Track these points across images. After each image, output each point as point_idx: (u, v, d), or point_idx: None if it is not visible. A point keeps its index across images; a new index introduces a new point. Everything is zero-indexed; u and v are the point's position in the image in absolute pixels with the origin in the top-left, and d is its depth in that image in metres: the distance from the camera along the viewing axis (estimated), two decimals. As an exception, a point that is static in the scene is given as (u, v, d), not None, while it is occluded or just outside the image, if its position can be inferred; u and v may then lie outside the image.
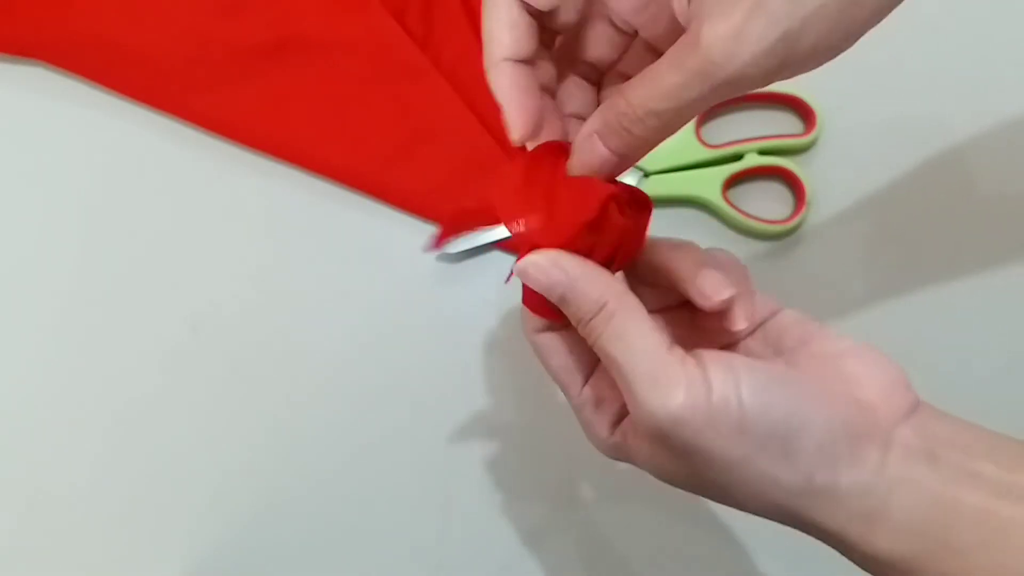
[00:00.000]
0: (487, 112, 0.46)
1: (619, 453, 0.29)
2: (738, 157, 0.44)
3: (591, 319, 0.26)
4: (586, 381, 0.29)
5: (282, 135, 0.45)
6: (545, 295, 0.27)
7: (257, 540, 0.41)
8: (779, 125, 0.46)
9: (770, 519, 0.25)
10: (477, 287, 0.44)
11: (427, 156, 0.45)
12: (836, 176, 0.44)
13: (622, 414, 0.28)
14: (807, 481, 0.24)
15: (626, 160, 0.26)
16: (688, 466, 0.25)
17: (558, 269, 0.26)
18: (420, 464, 0.42)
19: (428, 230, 0.44)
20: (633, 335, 0.25)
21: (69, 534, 0.41)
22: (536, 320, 0.29)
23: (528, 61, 0.26)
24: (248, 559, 0.41)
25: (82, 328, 0.43)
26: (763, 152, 0.44)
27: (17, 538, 0.41)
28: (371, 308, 0.44)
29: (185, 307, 0.43)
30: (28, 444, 0.42)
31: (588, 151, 0.26)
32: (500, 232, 0.43)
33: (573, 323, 0.27)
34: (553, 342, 0.29)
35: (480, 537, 0.41)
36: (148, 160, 0.45)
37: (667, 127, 0.24)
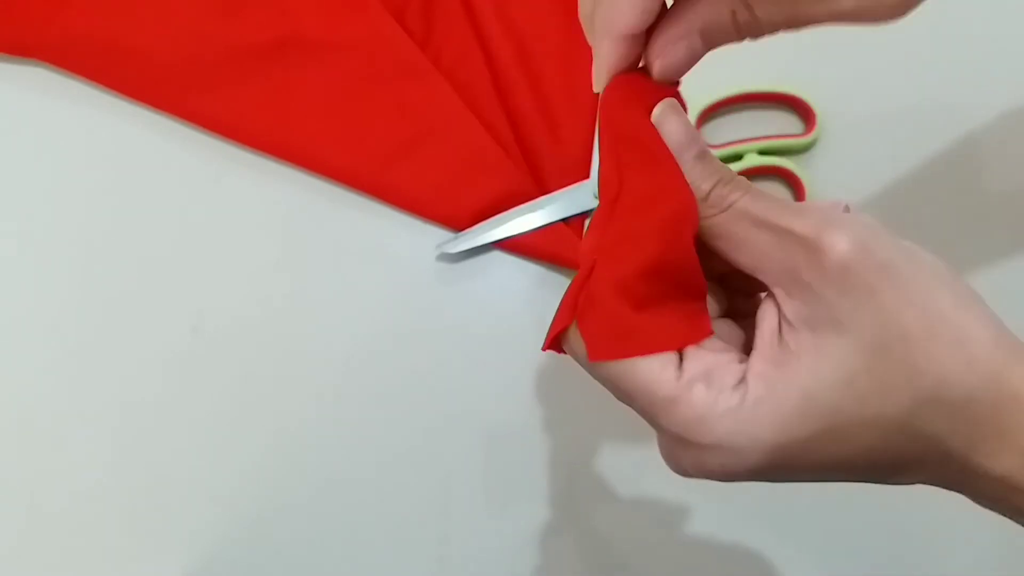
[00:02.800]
0: (487, 112, 0.46)
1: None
2: (738, 157, 0.44)
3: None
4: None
5: (282, 135, 0.45)
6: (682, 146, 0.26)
7: (258, 541, 0.41)
8: (779, 125, 0.46)
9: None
10: (477, 287, 0.44)
11: (427, 156, 0.45)
12: (836, 176, 0.44)
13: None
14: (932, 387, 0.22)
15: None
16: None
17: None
18: (420, 464, 0.42)
19: (428, 230, 0.44)
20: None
21: (71, 535, 0.41)
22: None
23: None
24: (249, 560, 0.41)
25: (83, 329, 0.43)
26: (763, 152, 0.44)
27: (20, 538, 0.41)
28: (371, 308, 0.44)
29: (186, 307, 0.43)
30: (30, 445, 0.42)
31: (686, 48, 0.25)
32: (500, 232, 0.43)
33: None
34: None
35: (480, 537, 0.41)
36: (148, 160, 0.45)
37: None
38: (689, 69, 0.26)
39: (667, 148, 0.26)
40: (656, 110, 0.26)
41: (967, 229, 0.44)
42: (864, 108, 0.45)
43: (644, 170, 0.26)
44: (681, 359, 0.24)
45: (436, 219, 0.44)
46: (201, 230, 0.45)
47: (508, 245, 0.44)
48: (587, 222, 0.28)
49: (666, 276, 0.25)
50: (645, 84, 0.26)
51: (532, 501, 0.42)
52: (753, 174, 0.44)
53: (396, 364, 0.43)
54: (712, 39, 0.25)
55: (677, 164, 0.26)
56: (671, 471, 0.26)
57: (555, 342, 0.27)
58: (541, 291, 0.44)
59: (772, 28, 0.24)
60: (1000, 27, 0.47)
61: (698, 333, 0.25)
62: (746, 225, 0.24)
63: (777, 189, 0.45)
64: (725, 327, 0.27)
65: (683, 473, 0.26)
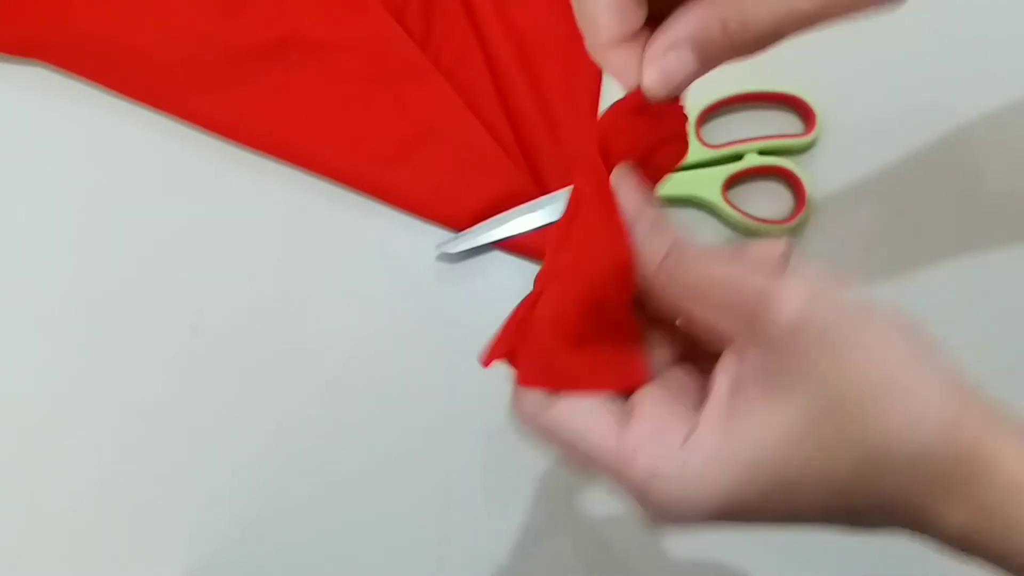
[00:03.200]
0: (487, 112, 0.46)
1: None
2: (738, 157, 0.44)
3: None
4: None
5: (282, 135, 0.45)
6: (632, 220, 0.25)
7: (258, 540, 0.41)
8: (779, 125, 0.46)
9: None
10: (477, 287, 0.44)
11: (427, 156, 0.45)
12: (836, 176, 0.44)
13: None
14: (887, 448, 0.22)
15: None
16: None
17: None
18: (420, 464, 0.42)
19: (428, 230, 0.44)
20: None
21: (71, 535, 0.41)
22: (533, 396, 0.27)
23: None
24: (249, 560, 0.41)
25: (83, 329, 0.43)
26: (763, 152, 0.44)
27: (20, 539, 0.41)
28: (371, 308, 0.44)
29: (186, 307, 0.43)
30: (30, 445, 0.42)
31: (676, 60, 0.24)
32: (500, 232, 0.43)
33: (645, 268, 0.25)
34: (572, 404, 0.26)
35: (480, 537, 0.41)
36: (148, 160, 0.45)
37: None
38: (685, 85, 0.25)
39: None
40: (613, 175, 0.26)
41: (967, 229, 0.44)
42: (864, 108, 0.45)
43: (598, 208, 0.26)
44: (629, 412, 0.25)
45: (436, 219, 0.44)
46: (201, 230, 0.45)
47: (508, 245, 0.44)
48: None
49: (602, 318, 0.26)
50: (644, 108, 0.26)
51: (532, 501, 0.42)
52: (753, 174, 0.44)
53: (396, 364, 0.43)
54: (705, 52, 0.24)
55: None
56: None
57: (491, 360, 0.28)
58: (541, 291, 0.44)
59: (765, 37, 0.24)
60: (1000, 27, 0.47)
61: (634, 378, 0.26)
62: (704, 288, 0.24)
63: (777, 189, 0.45)
64: (681, 373, 0.27)
65: (649, 524, 0.26)
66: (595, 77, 0.46)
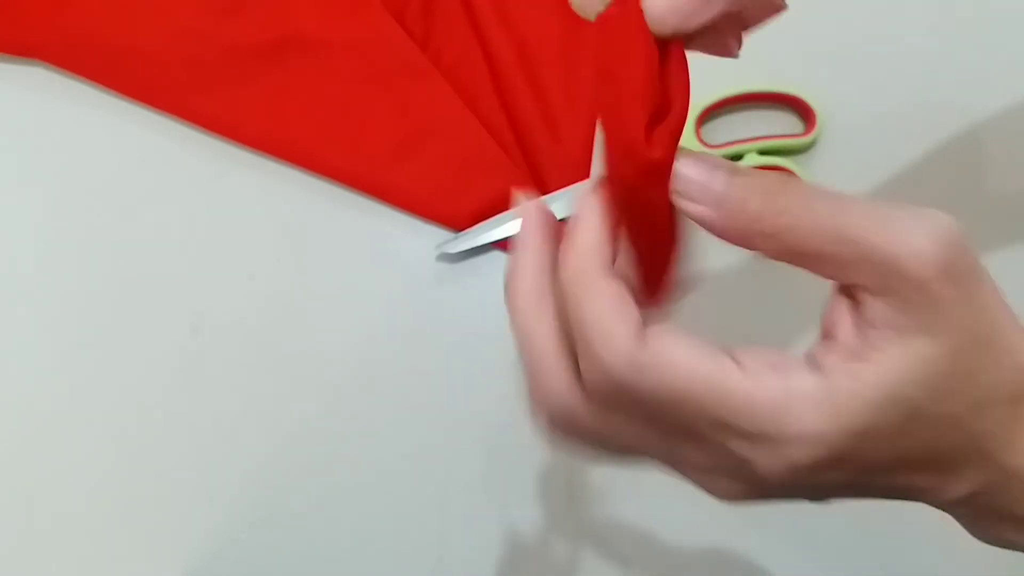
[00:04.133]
0: (487, 112, 0.46)
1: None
2: (738, 157, 0.44)
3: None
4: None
5: (282, 135, 0.45)
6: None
7: (258, 541, 0.41)
8: (779, 125, 0.46)
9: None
10: (477, 287, 0.44)
11: (427, 156, 0.45)
12: (836, 176, 0.44)
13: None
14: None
15: None
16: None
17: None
18: (420, 464, 0.42)
19: (428, 230, 0.44)
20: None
21: (70, 535, 0.41)
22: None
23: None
24: (248, 560, 0.41)
25: (82, 329, 0.43)
26: (763, 152, 0.44)
27: (20, 539, 0.41)
28: (371, 308, 0.44)
29: (185, 308, 0.43)
30: (30, 445, 0.42)
31: None
32: (500, 232, 0.43)
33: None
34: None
35: (480, 537, 0.41)
36: (148, 160, 0.45)
37: None
38: (700, 19, 0.21)
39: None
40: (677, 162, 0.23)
41: (970, 227, 0.44)
42: (864, 108, 0.45)
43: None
44: (732, 357, 0.22)
45: (436, 219, 0.44)
46: (201, 230, 0.45)
47: (508, 245, 0.44)
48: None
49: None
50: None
51: (532, 501, 0.42)
52: (753, 174, 0.44)
53: (396, 364, 0.43)
54: None
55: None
56: (721, 499, 0.25)
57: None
58: (541, 291, 0.44)
59: None
60: (1000, 27, 0.47)
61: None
62: (816, 241, 0.22)
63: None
64: None
65: (744, 494, 0.24)
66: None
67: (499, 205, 0.44)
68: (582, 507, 0.42)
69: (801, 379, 0.22)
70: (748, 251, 0.23)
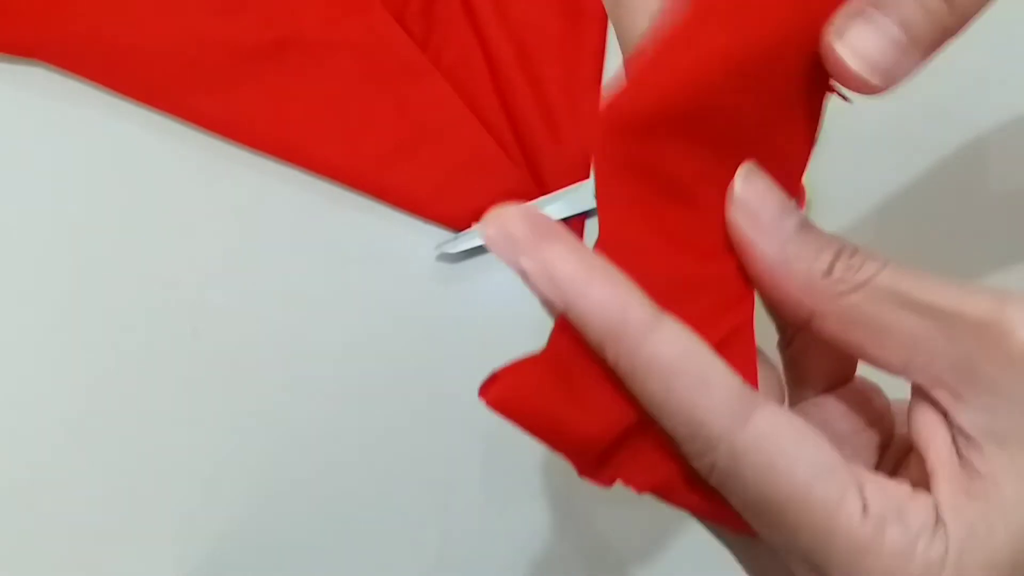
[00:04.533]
0: (487, 112, 0.46)
1: None
2: (738, 157, 0.44)
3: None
4: None
5: (282, 135, 0.45)
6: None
7: (257, 541, 0.41)
8: (779, 125, 0.46)
9: None
10: (477, 287, 0.44)
11: (427, 156, 0.45)
12: (836, 176, 0.44)
13: None
14: None
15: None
16: None
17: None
18: (419, 464, 0.42)
19: (428, 230, 0.44)
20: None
21: (69, 535, 0.41)
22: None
23: None
24: (248, 559, 0.41)
25: (82, 330, 0.43)
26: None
27: (19, 538, 0.41)
28: (370, 308, 0.44)
29: (183, 307, 0.43)
30: (28, 446, 0.42)
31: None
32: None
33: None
34: None
35: (480, 537, 0.41)
36: (148, 160, 0.45)
37: None
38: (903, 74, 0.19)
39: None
40: (740, 169, 0.20)
41: (968, 229, 0.44)
42: (865, 108, 0.45)
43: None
44: (860, 486, 0.18)
45: (436, 219, 0.44)
46: (201, 230, 0.45)
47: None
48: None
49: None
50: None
51: (532, 501, 0.42)
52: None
53: (395, 364, 0.43)
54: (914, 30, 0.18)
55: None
56: None
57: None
58: (541, 291, 0.44)
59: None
60: (1002, 29, 0.47)
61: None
62: (891, 308, 0.19)
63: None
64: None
65: None
66: (595, 77, 0.46)
67: (499, 205, 0.44)
68: (582, 507, 0.42)
69: (921, 533, 0.18)
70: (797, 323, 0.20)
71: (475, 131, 0.45)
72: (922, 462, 0.19)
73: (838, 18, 0.18)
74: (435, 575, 0.41)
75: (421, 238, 0.44)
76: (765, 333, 0.22)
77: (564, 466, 0.43)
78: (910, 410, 0.20)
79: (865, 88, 0.19)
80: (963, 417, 0.18)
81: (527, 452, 0.42)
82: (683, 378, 0.18)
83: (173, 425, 0.42)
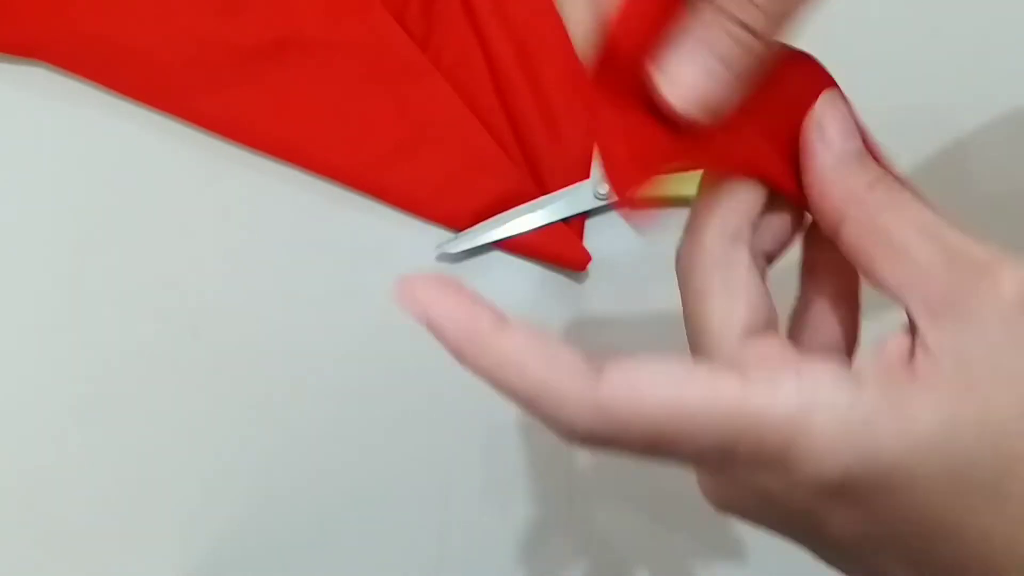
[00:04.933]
0: (487, 112, 0.46)
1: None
2: (738, 157, 0.44)
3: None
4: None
5: (282, 135, 0.45)
6: None
7: (257, 541, 0.41)
8: (779, 125, 0.46)
9: None
10: (477, 287, 0.44)
11: (427, 156, 0.45)
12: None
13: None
14: None
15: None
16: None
17: None
18: (419, 464, 0.42)
19: (428, 230, 0.44)
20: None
21: (69, 535, 0.41)
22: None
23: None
24: (248, 559, 0.41)
25: (81, 330, 0.43)
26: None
27: (18, 540, 0.41)
28: (371, 308, 0.43)
29: (183, 307, 0.43)
30: (27, 446, 0.42)
31: None
32: (500, 232, 0.43)
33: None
34: None
35: (480, 537, 0.41)
36: (148, 160, 0.45)
37: None
38: (721, 101, 0.21)
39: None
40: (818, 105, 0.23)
41: (969, 227, 0.44)
42: (863, 108, 0.45)
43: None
44: (734, 363, 0.21)
45: (436, 219, 0.44)
46: (201, 230, 0.45)
47: (508, 245, 0.44)
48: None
49: None
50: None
51: (532, 501, 0.42)
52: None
53: (396, 364, 0.43)
54: (730, 64, 0.21)
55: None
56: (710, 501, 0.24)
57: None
58: (541, 291, 0.44)
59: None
60: (998, 27, 0.47)
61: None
62: (912, 232, 0.21)
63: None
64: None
65: (726, 502, 0.23)
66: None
67: (499, 205, 0.44)
68: (582, 507, 0.42)
69: (827, 390, 0.19)
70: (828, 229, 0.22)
71: (475, 131, 0.45)
72: None
73: (660, 52, 0.21)
74: (435, 575, 0.41)
75: (421, 238, 0.44)
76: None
77: (564, 466, 0.43)
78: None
79: (685, 119, 0.21)
80: (931, 335, 0.20)
81: (527, 451, 0.42)
82: (534, 360, 0.21)
83: (173, 425, 0.42)
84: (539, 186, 0.45)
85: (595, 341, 0.43)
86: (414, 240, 0.44)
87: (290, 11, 0.46)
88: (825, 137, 0.23)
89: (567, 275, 0.44)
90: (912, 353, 0.20)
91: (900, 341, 0.21)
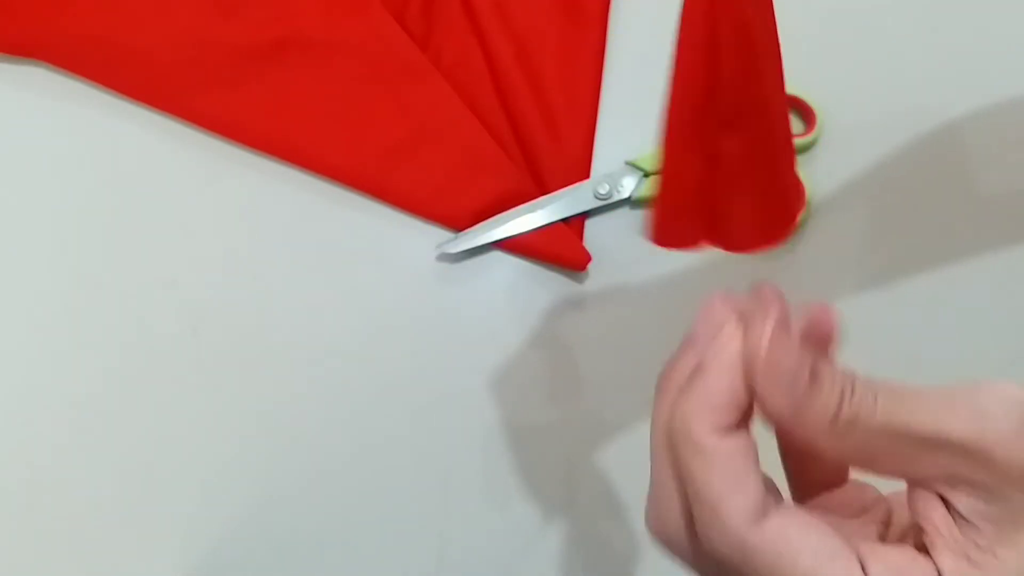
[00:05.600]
0: (487, 112, 0.46)
1: None
2: (738, 157, 0.44)
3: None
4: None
5: (282, 135, 0.45)
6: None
7: (257, 542, 0.41)
8: (779, 125, 0.46)
9: None
10: (477, 287, 0.44)
11: (427, 156, 0.45)
12: (836, 176, 0.44)
13: None
14: None
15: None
16: None
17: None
18: (419, 464, 0.42)
19: (428, 230, 0.44)
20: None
21: (69, 536, 0.41)
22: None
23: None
24: (248, 559, 0.41)
25: (81, 329, 0.43)
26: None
27: (18, 540, 0.41)
28: (370, 308, 0.44)
29: (184, 307, 0.43)
30: (27, 446, 0.42)
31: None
32: (500, 232, 0.43)
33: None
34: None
35: (480, 537, 0.41)
36: (148, 160, 0.45)
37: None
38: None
39: None
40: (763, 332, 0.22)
41: (968, 229, 0.44)
42: (865, 109, 0.45)
43: None
44: (860, 559, 0.21)
45: (436, 219, 0.44)
46: (201, 230, 0.45)
47: (508, 245, 0.44)
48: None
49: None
50: None
51: (532, 501, 0.42)
52: (753, 174, 0.44)
53: (395, 364, 0.43)
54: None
55: None
56: None
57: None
58: (541, 291, 0.44)
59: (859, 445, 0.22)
60: (1000, 29, 0.47)
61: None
62: (886, 440, 0.21)
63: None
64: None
65: None
66: (595, 77, 0.46)
67: (499, 205, 0.44)
68: (582, 507, 0.42)
69: None
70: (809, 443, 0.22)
71: (475, 131, 0.45)
72: (921, 535, 0.21)
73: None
74: (435, 575, 0.41)
75: (421, 238, 0.44)
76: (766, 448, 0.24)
77: (564, 466, 0.43)
78: (908, 491, 0.22)
79: None
80: (960, 503, 0.20)
81: (527, 452, 0.42)
82: (724, 471, 0.21)
83: (172, 424, 0.42)
84: (539, 186, 0.45)
85: (595, 341, 0.43)
86: (414, 240, 0.44)
87: (290, 11, 0.46)
88: (778, 385, 0.22)
89: (567, 275, 0.44)
90: (953, 521, 0.21)
91: (938, 508, 0.21)
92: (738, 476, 0.21)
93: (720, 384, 0.22)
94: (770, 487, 0.23)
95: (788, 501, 0.23)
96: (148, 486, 0.42)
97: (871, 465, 0.22)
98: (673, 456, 0.22)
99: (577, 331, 0.43)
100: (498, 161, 0.45)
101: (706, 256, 0.44)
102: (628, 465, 0.42)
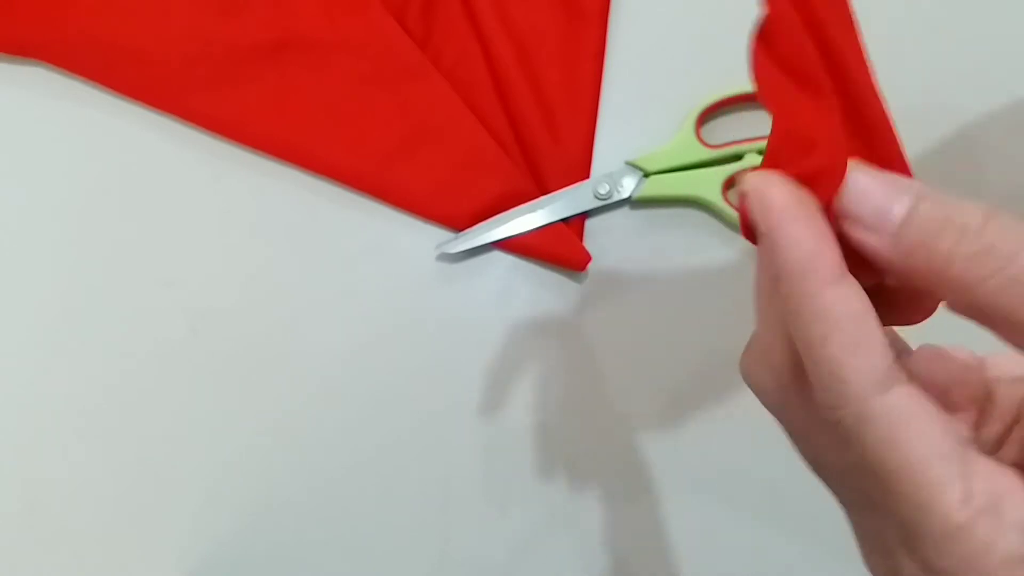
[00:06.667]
0: (487, 112, 0.46)
1: None
2: (738, 157, 0.44)
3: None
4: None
5: (282, 135, 0.45)
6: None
7: (258, 542, 0.41)
8: (779, 125, 0.46)
9: None
10: (477, 287, 0.44)
11: (427, 156, 0.45)
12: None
13: None
14: None
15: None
16: None
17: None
18: (419, 464, 0.42)
19: (428, 230, 0.44)
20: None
21: (69, 535, 0.41)
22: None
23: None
24: (248, 560, 0.41)
25: (81, 329, 0.43)
26: (763, 152, 0.44)
27: (18, 540, 0.41)
28: (370, 308, 0.44)
29: (184, 307, 0.43)
30: (27, 446, 0.42)
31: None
32: (500, 232, 0.43)
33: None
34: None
35: (480, 537, 0.41)
36: (148, 160, 0.45)
37: None
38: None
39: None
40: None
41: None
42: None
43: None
44: (969, 475, 0.18)
45: (436, 219, 0.44)
46: (201, 230, 0.45)
47: (508, 245, 0.44)
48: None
49: None
50: None
51: (532, 501, 0.42)
52: (753, 174, 0.44)
53: (396, 364, 0.43)
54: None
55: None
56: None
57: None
58: (541, 291, 0.44)
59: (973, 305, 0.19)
60: (1001, 27, 0.47)
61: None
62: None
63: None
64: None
65: None
66: (595, 77, 0.46)
67: (499, 205, 0.44)
68: (582, 507, 0.42)
69: (1009, 530, 0.18)
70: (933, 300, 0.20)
71: (475, 131, 0.45)
72: None
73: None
74: (435, 575, 0.41)
75: (421, 238, 0.44)
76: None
77: (564, 466, 0.43)
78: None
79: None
80: None
81: (527, 453, 0.42)
82: (843, 335, 0.19)
83: (172, 425, 0.42)
84: (539, 186, 0.45)
85: (595, 341, 0.43)
86: (414, 240, 0.44)
87: (290, 11, 0.46)
88: (864, 223, 0.20)
89: (567, 275, 0.44)
90: None
91: None
92: (860, 332, 0.19)
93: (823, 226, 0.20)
94: (895, 341, 0.21)
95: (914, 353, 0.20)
96: (148, 486, 0.42)
97: (998, 327, 0.18)
98: (782, 306, 0.20)
99: (577, 331, 0.43)
100: (498, 161, 0.45)
101: (706, 256, 0.44)
102: (629, 465, 0.42)
